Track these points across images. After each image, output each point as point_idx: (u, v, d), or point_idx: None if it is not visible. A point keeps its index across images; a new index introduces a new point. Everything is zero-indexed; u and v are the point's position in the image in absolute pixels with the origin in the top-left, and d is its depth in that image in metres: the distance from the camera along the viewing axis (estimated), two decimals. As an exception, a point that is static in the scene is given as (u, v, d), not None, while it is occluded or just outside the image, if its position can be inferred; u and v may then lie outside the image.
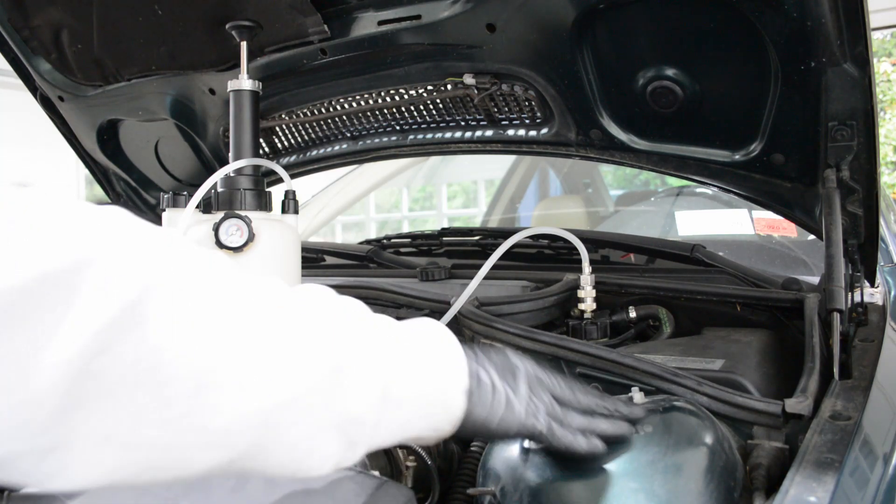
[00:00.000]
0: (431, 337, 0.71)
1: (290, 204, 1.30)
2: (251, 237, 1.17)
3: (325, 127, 1.74)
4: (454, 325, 1.22)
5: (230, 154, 1.30)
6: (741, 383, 1.00)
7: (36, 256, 0.43)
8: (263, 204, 1.27)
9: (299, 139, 1.81)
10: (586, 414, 0.78)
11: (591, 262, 1.30)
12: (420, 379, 0.66)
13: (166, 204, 1.34)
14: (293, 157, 1.85)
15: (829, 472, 0.75)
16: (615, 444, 0.79)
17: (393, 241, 1.94)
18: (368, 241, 2.02)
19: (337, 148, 1.78)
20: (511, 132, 1.51)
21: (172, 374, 0.48)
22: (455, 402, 0.69)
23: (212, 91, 1.69)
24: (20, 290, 0.42)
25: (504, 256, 1.27)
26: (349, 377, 0.59)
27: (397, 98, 1.57)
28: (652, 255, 1.56)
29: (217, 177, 1.19)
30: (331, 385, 0.58)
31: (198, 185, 1.15)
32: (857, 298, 1.19)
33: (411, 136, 1.64)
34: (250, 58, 1.31)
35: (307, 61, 1.50)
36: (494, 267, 1.26)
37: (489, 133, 1.54)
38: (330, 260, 1.95)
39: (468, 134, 1.56)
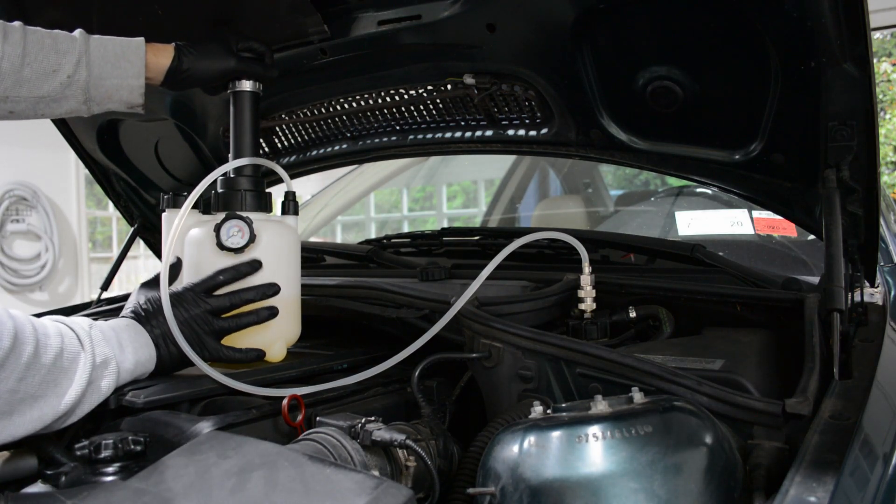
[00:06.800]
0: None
1: (290, 205, 1.29)
2: (252, 238, 1.17)
3: (325, 127, 1.74)
4: (454, 325, 1.22)
5: (230, 155, 1.30)
6: (741, 383, 1.00)
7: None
8: (264, 205, 1.27)
9: (299, 139, 1.81)
10: None
11: (591, 262, 1.30)
12: None
13: (166, 205, 1.34)
14: (293, 157, 1.85)
15: (829, 472, 0.75)
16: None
17: (393, 241, 1.94)
18: (368, 241, 2.02)
19: (337, 148, 1.78)
20: (511, 132, 1.51)
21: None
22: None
23: (212, 91, 1.69)
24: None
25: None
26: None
27: (397, 98, 1.57)
28: (652, 255, 1.56)
29: (214, 176, 1.19)
30: None
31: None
32: (857, 298, 1.19)
33: (411, 136, 1.64)
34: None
35: (307, 61, 1.50)
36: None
37: (489, 133, 1.54)
38: (330, 260, 1.95)
39: (468, 134, 1.56)
